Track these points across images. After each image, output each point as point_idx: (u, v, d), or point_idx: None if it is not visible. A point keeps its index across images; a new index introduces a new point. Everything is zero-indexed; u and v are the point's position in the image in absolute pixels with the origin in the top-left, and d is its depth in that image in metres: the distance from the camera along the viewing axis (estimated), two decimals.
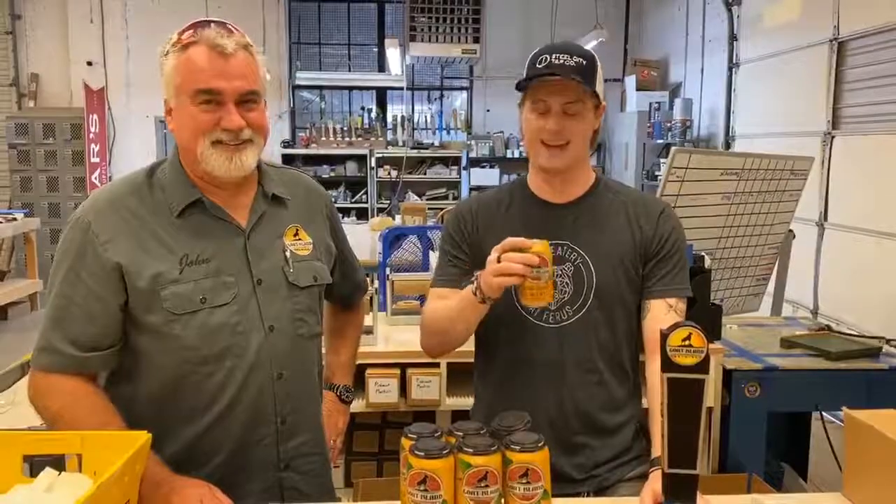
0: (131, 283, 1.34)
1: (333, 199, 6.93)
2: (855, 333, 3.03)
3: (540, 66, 1.52)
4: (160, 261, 1.35)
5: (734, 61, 6.49)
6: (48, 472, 1.16)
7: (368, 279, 3.50)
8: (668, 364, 1.12)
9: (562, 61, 1.50)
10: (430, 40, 6.57)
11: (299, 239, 1.50)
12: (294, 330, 1.46)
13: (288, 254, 1.47)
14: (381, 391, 2.55)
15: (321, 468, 1.57)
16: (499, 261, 1.40)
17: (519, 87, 1.55)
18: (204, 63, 1.33)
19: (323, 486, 1.57)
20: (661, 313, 1.55)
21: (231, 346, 1.38)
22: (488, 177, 8.73)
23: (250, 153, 1.38)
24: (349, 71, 8.99)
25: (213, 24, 1.37)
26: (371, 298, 2.76)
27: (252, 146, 1.39)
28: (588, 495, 1.60)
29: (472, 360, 2.71)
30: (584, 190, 1.63)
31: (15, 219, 6.15)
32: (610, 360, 1.60)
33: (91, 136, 8.02)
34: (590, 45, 6.55)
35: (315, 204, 1.59)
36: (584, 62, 1.52)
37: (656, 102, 7.54)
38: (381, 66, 8.86)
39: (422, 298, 3.21)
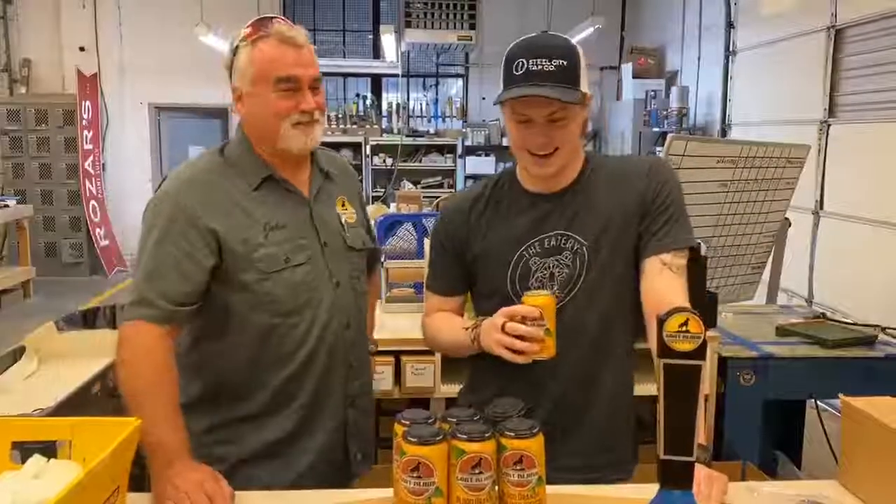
0: (228, 247, 1.50)
1: None
2: (850, 322, 3.03)
3: (518, 73, 1.41)
4: (247, 228, 1.53)
5: (731, 49, 6.47)
6: (36, 459, 1.15)
7: None
8: (664, 350, 1.11)
9: (540, 67, 1.39)
10: (425, 27, 6.53)
11: (346, 209, 1.70)
12: (353, 286, 1.66)
13: (343, 221, 1.67)
14: (376, 379, 2.54)
15: (371, 406, 1.82)
16: (503, 327, 1.37)
17: (499, 101, 1.48)
18: (280, 54, 1.52)
19: (372, 421, 1.81)
20: (655, 272, 1.48)
21: (310, 300, 1.57)
22: (484, 165, 8.70)
23: (319, 130, 1.59)
24: (344, 58, 8.94)
25: (276, 20, 1.55)
26: None
27: (320, 125, 1.60)
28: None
29: None
30: (575, 176, 1.56)
31: (7, 205, 6.12)
32: (614, 341, 1.57)
33: (84, 122, 7.97)
34: (586, 33, 6.52)
35: (352, 181, 1.82)
36: (565, 63, 1.40)
37: (653, 90, 7.52)
38: (377, 53, 8.82)
39: (417, 285, 3.19)
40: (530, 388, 1.53)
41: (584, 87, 1.46)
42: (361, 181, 8.33)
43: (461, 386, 2.49)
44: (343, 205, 1.70)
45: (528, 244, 1.54)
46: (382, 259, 3.08)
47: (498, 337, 1.37)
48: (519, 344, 1.35)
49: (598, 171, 1.58)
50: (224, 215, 1.52)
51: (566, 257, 1.53)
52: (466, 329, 1.51)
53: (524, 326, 1.35)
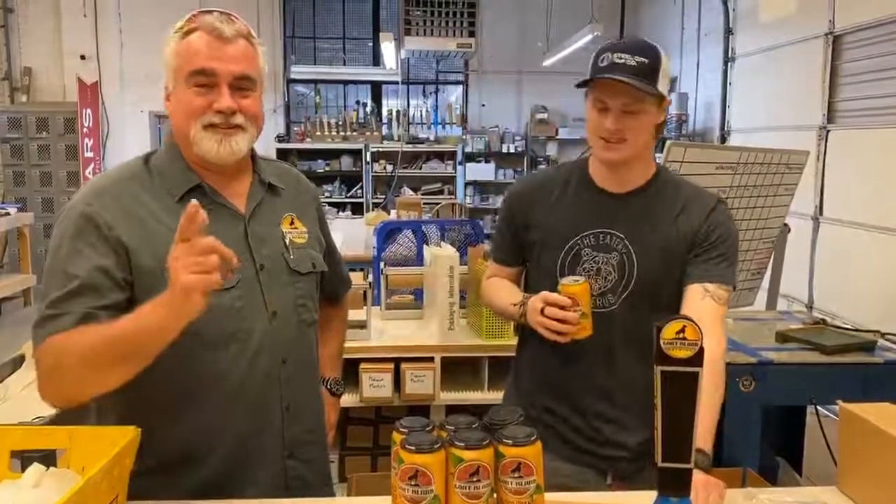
0: (136, 262, 1.32)
1: (328, 194, 7.02)
2: (850, 327, 3.02)
3: (602, 65, 1.53)
4: (164, 243, 1.27)
5: (730, 55, 6.49)
6: (35, 468, 1.15)
7: (363, 273, 3.49)
8: (661, 357, 1.12)
9: (623, 61, 1.51)
10: (425, 34, 6.53)
11: (295, 227, 1.51)
12: (297, 316, 1.48)
13: (287, 241, 1.48)
14: (375, 386, 2.55)
15: (321, 456, 1.59)
16: (542, 310, 1.51)
17: (580, 85, 1.58)
18: (201, 46, 1.35)
19: (323, 474, 1.59)
20: (697, 297, 1.56)
21: (236, 332, 1.38)
22: (483, 171, 8.73)
23: (242, 139, 1.38)
24: (344, 65, 8.96)
25: (214, 13, 1.39)
26: (365, 293, 2.75)
27: (244, 133, 1.38)
28: (617, 479, 1.66)
29: (464, 354, 2.72)
30: (643, 182, 1.65)
31: (8, 213, 6.12)
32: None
33: (85, 130, 7.98)
34: (585, 40, 6.53)
35: (306, 196, 1.61)
36: (646, 61, 1.52)
37: None
38: (376, 61, 8.84)
39: (417, 292, 3.20)
40: (575, 385, 1.65)
41: (663, 89, 1.55)
42: (361, 188, 8.41)
43: (460, 392, 2.49)
44: (291, 223, 1.51)
45: (584, 234, 1.63)
46: (382, 267, 3.09)
47: (540, 319, 1.53)
48: (558, 326, 1.50)
49: (667, 186, 1.66)
50: (138, 228, 1.33)
51: (614, 258, 1.61)
52: (514, 305, 1.66)
53: (562, 311, 1.49)
